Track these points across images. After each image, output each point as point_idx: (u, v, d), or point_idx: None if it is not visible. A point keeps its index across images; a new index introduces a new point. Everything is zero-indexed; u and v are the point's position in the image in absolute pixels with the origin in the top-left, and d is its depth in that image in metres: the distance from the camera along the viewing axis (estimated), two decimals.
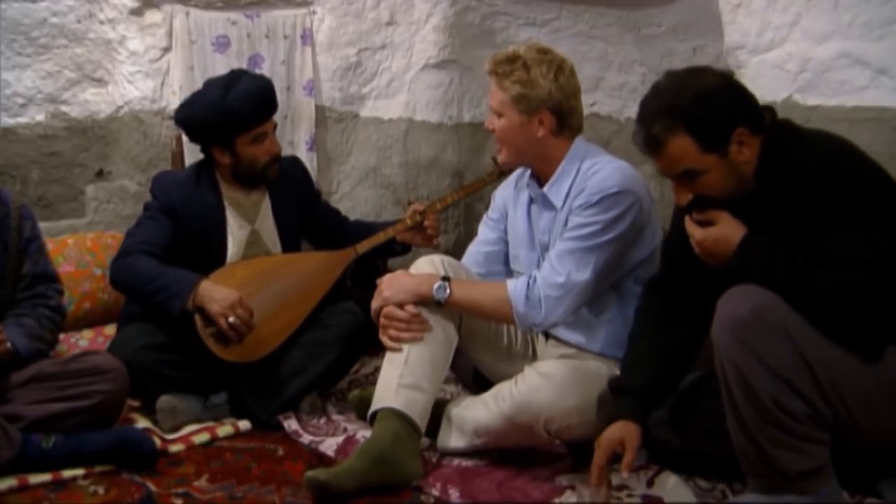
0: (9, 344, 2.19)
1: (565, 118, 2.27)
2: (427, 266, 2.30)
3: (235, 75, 2.64)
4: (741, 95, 1.86)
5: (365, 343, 2.71)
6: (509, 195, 2.50)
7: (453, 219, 3.45)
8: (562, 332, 2.32)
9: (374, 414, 2.17)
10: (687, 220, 1.91)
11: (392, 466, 2.05)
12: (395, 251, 2.88)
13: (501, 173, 2.86)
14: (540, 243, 2.36)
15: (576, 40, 3.43)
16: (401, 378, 2.16)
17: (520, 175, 2.49)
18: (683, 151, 1.82)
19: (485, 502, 2.00)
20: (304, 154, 3.28)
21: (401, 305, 2.22)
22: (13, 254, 2.33)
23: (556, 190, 2.29)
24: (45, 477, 2.11)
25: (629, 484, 2.06)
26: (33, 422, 2.16)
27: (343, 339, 2.60)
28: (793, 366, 1.72)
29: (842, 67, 2.66)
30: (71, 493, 2.07)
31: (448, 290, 2.21)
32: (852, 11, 2.65)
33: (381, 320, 2.25)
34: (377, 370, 2.94)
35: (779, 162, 1.84)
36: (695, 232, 1.89)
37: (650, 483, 2.07)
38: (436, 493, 2.05)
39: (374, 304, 2.28)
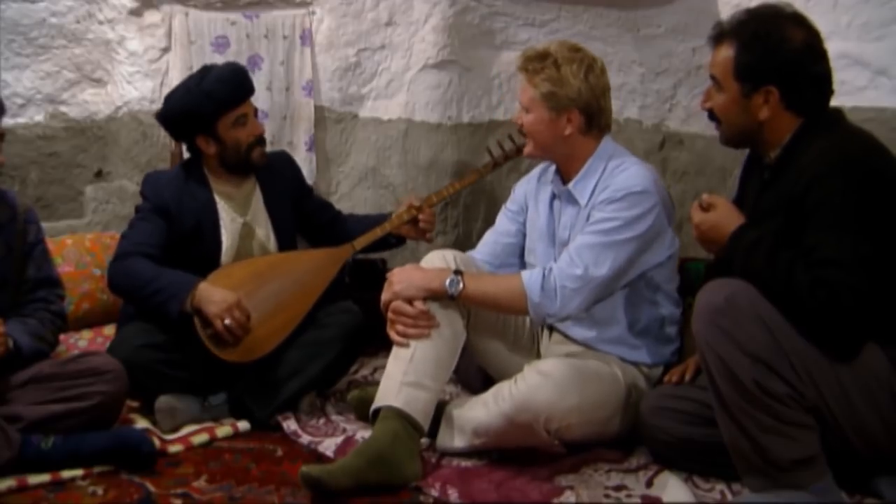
0: (11, 341, 2.19)
1: (594, 117, 2.29)
2: (438, 260, 2.30)
3: (208, 66, 2.68)
4: (798, 69, 1.91)
5: (363, 343, 2.71)
6: (531, 189, 2.51)
7: (452, 219, 3.45)
8: (570, 328, 2.33)
9: (377, 412, 2.16)
10: (694, 204, 1.99)
11: (389, 467, 2.05)
12: (391, 244, 2.88)
13: (496, 164, 2.87)
14: (560, 239, 2.37)
15: (575, 41, 3.43)
16: (404, 376, 2.15)
17: (543, 170, 2.51)
18: (722, 60, 1.97)
19: (484, 502, 2.00)
20: (303, 154, 3.28)
21: (410, 301, 2.21)
22: (17, 258, 2.34)
23: (581, 187, 2.31)
24: (44, 477, 2.10)
25: (628, 484, 2.07)
26: (32, 422, 2.16)
27: (341, 338, 2.60)
28: (769, 348, 1.76)
29: (841, 68, 2.66)
30: (70, 493, 2.07)
31: (461, 284, 2.20)
32: (851, 12, 2.66)
33: (389, 315, 2.24)
34: (376, 370, 2.98)
35: (805, 145, 1.90)
36: (694, 215, 1.97)
37: (649, 483, 2.07)
38: (435, 493, 2.05)
39: (384, 296, 2.27)
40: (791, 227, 1.83)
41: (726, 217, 1.92)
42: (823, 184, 1.80)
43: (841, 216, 1.78)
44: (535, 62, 2.28)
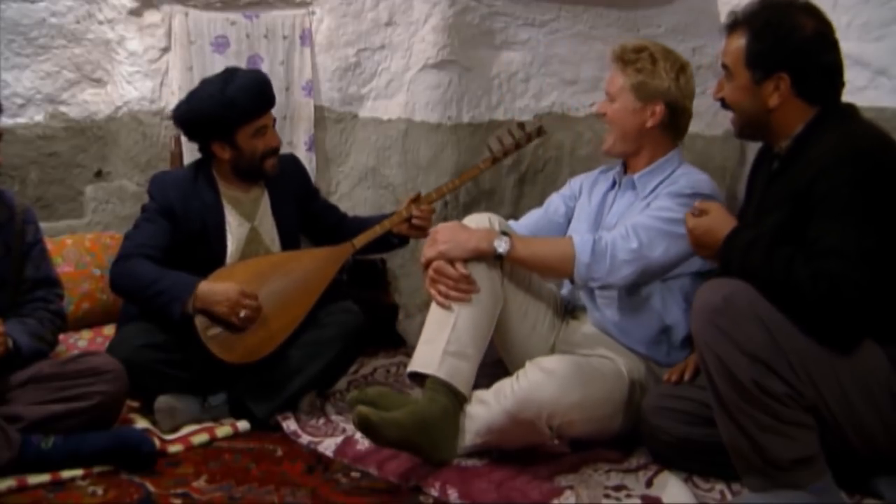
0: (10, 341, 2.19)
1: (677, 116, 2.38)
2: (483, 221, 2.31)
3: (231, 71, 2.66)
4: (809, 56, 1.93)
5: (364, 343, 2.71)
6: (588, 181, 2.58)
7: (451, 219, 3.44)
8: (601, 307, 2.36)
9: (420, 376, 2.16)
10: (686, 213, 2.01)
11: (432, 438, 2.06)
12: (393, 244, 2.88)
13: (495, 159, 2.87)
14: (606, 225, 2.40)
15: (575, 41, 3.43)
16: (448, 345, 2.15)
17: (605, 168, 2.58)
18: (734, 48, 1.99)
19: (484, 502, 2.00)
20: (302, 154, 3.28)
21: (452, 262, 2.21)
22: (15, 258, 2.34)
23: (646, 180, 2.38)
24: (44, 477, 2.11)
25: (628, 484, 2.07)
26: (32, 423, 2.17)
27: (341, 338, 2.60)
28: (767, 347, 1.76)
29: None
30: (70, 493, 2.07)
31: (510, 244, 2.21)
32: (851, 12, 2.65)
33: (431, 273, 2.23)
34: (376, 370, 2.99)
35: (816, 136, 1.91)
36: (688, 220, 1.99)
37: (649, 483, 2.08)
38: (435, 493, 2.05)
39: (428, 253, 2.26)
40: (796, 219, 1.83)
41: (720, 221, 1.92)
42: (831, 174, 1.80)
43: (847, 208, 1.77)
44: (631, 53, 2.38)
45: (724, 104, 2.06)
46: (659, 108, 2.35)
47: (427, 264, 2.25)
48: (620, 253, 2.20)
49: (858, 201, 1.78)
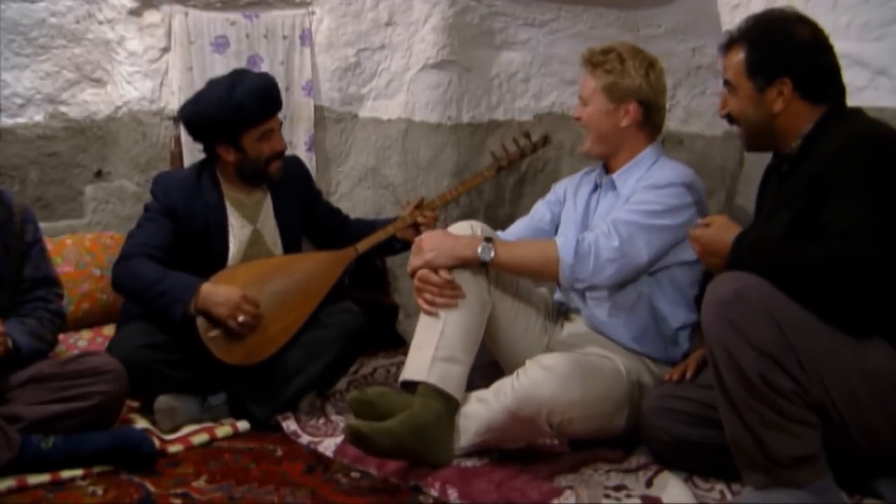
0: (10, 341, 2.19)
1: (651, 113, 2.39)
2: (466, 229, 2.33)
3: (239, 73, 2.65)
4: (809, 58, 1.97)
5: (364, 343, 2.71)
6: (572, 184, 2.59)
7: (452, 220, 3.44)
8: (591, 307, 2.37)
9: (410, 384, 2.17)
10: (690, 229, 2.04)
11: (428, 444, 2.08)
12: (395, 249, 2.89)
13: (500, 168, 2.87)
14: (593, 229, 2.39)
15: (575, 41, 3.43)
16: (437, 351, 2.16)
17: (588, 170, 2.60)
18: (734, 63, 2.03)
19: (484, 502, 2.00)
20: (302, 154, 3.28)
21: (436, 270, 2.22)
22: (14, 257, 2.34)
23: (624, 178, 2.39)
24: (43, 478, 2.11)
25: (628, 484, 2.07)
26: (32, 423, 2.17)
27: (342, 338, 2.60)
28: (776, 342, 1.75)
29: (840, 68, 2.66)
30: (70, 493, 2.07)
31: (493, 251, 2.22)
32: (851, 12, 2.65)
33: (417, 282, 2.25)
34: (376, 370, 2.99)
35: (825, 133, 1.93)
36: (692, 232, 2.00)
37: (649, 483, 2.08)
38: (435, 493, 2.05)
39: (414, 262, 2.28)
40: (810, 210, 1.84)
41: (724, 228, 1.94)
42: (842, 162, 1.82)
43: (859, 192, 1.78)
44: (599, 55, 2.39)
45: (731, 119, 2.08)
46: (632, 107, 2.36)
47: (413, 273, 2.27)
48: (604, 252, 2.21)
49: (870, 186, 1.79)
